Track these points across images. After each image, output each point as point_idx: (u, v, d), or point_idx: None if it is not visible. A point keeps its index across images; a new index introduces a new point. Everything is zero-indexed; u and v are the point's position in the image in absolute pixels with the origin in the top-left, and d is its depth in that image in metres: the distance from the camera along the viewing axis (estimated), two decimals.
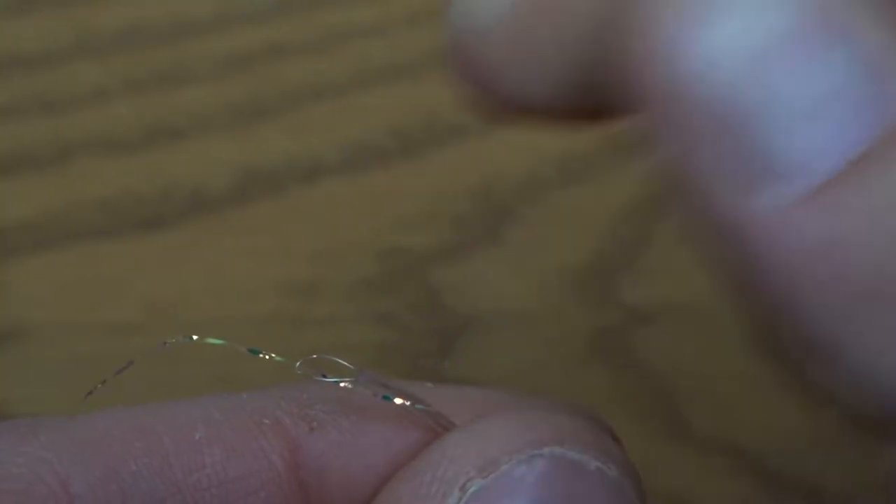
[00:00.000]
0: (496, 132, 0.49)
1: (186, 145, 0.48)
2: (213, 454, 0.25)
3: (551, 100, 0.23)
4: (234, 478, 0.25)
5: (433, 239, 0.47)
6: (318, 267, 0.46)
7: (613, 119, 0.23)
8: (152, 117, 0.49)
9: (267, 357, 0.26)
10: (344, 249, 0.46)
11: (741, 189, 0.20)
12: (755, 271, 0.20)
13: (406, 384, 0.26)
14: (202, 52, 0.50)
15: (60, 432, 0.24)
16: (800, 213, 0.19)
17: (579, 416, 0.26)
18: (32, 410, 0.41)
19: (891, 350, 0.19)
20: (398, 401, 0.25)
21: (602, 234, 0.47)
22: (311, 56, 0.50)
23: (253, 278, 0.45)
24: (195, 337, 0.27)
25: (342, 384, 0.25)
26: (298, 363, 0.25)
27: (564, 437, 0.24)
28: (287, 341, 0.43)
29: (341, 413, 0.26)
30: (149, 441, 0.24)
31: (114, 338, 0.44)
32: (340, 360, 0.26)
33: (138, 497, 0.24)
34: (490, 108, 0.25)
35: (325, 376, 0.25)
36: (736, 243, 0.20)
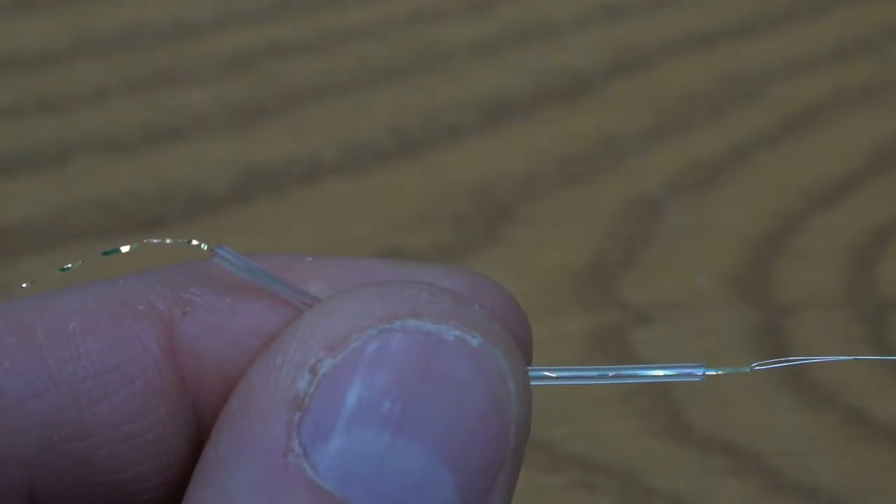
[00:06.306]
0: (496, 132, 0.49)
1: (186, 145, 0.48)
2: (88, 344, 0.24)
3: None
4: (111, 367, 0.24)
5: (433, 239, 0.47)
6: None
7: None
8: (152, 117, 0.49)
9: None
10: (344, 249, 0.46)
11: None
12: None
13: (281, 258, 0.26)
14: (202, 52, 0.50)
15: None
16: None
17: (450, 282, 0.25)
18: None
19: None
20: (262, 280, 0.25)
21: (602, 234, 0.47)
22: (311, 56, 0.50)
23: None
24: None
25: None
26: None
27: (420, 309, 0.23)
28: None
29: (215, 295, 0.25)
30: (21, 336, 0.24)
31: None
32: (195, 242, 0.25)
33: (13, 394, 0.24)
34: None
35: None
36: None
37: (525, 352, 0.25)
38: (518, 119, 0.49)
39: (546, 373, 0.25)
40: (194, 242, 0.25)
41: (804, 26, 0.52)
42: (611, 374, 0.26)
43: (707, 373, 0.26)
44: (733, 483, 0.43)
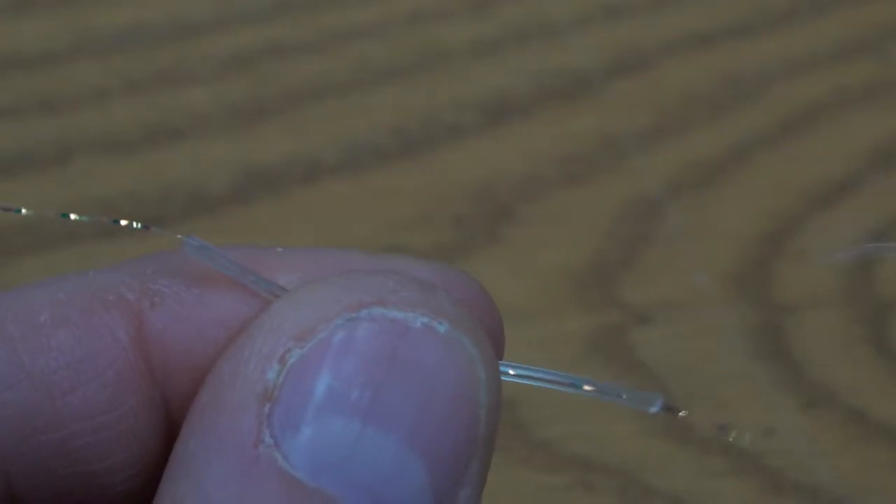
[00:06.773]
0: (496, 132, 0.49)
1: (186, 145, 0.48)
2: (59, 336, 0.24)
3: None
4: (82, 358, 0.24)
5: (433, 239, 0.47)
6: None
7: None
8: (152, 117, 0.49)
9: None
10: None
11: None
12: None
13: (251, 249, 0.26)
14: (202, 52, 0.50)
15: None
16: None
17: (419, 272, 0.25)
18: None
19: None
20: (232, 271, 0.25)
21: (602, 234, 0.47)
22: (311, 56, 0.50)
23: None
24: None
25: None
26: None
27: (386, 297, 0.23)
28: None
29: (184, 286, 0.25)
30: None
31: None
32: (161, 230, 0.26)
33: None
34: None
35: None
36: None
37: (496, 343, 0.25)
38: (518, 119, 0.49)
39: (509, 370, 0.25)
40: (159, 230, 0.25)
41: (804, 26, 0.52)
42: (574, 384, 0.26)
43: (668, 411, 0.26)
44: (733, 483, 0.43)
